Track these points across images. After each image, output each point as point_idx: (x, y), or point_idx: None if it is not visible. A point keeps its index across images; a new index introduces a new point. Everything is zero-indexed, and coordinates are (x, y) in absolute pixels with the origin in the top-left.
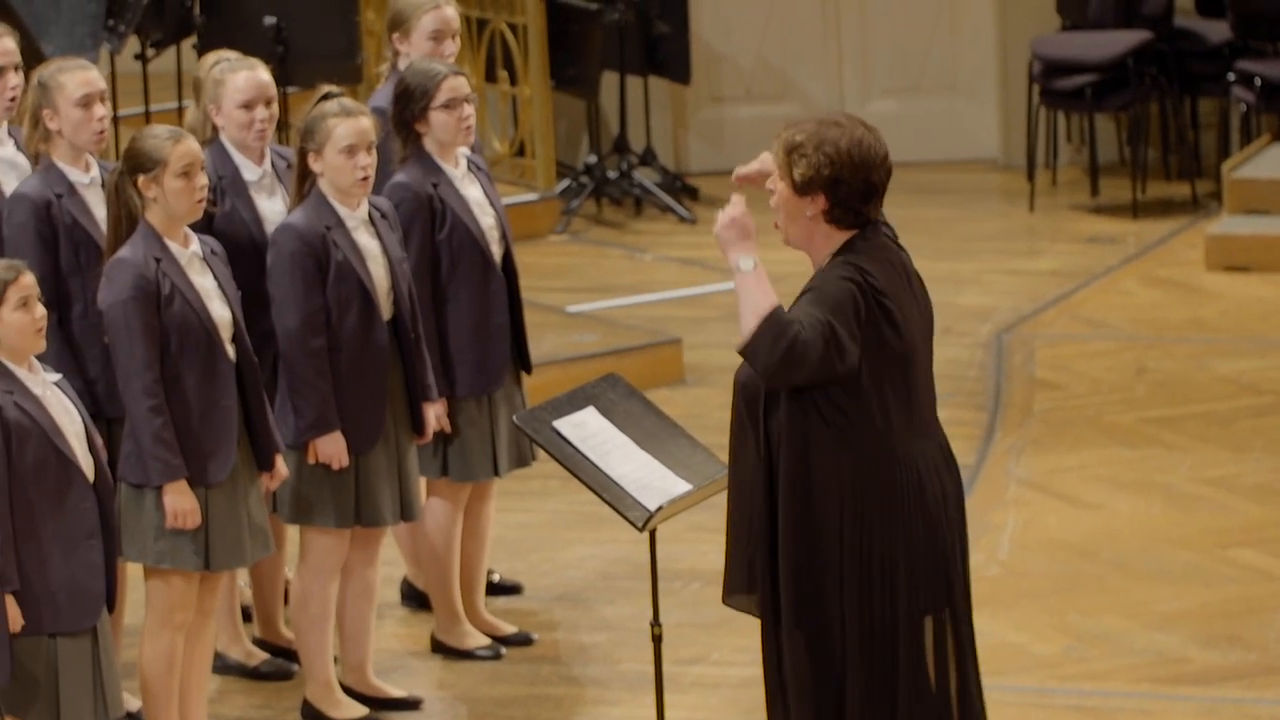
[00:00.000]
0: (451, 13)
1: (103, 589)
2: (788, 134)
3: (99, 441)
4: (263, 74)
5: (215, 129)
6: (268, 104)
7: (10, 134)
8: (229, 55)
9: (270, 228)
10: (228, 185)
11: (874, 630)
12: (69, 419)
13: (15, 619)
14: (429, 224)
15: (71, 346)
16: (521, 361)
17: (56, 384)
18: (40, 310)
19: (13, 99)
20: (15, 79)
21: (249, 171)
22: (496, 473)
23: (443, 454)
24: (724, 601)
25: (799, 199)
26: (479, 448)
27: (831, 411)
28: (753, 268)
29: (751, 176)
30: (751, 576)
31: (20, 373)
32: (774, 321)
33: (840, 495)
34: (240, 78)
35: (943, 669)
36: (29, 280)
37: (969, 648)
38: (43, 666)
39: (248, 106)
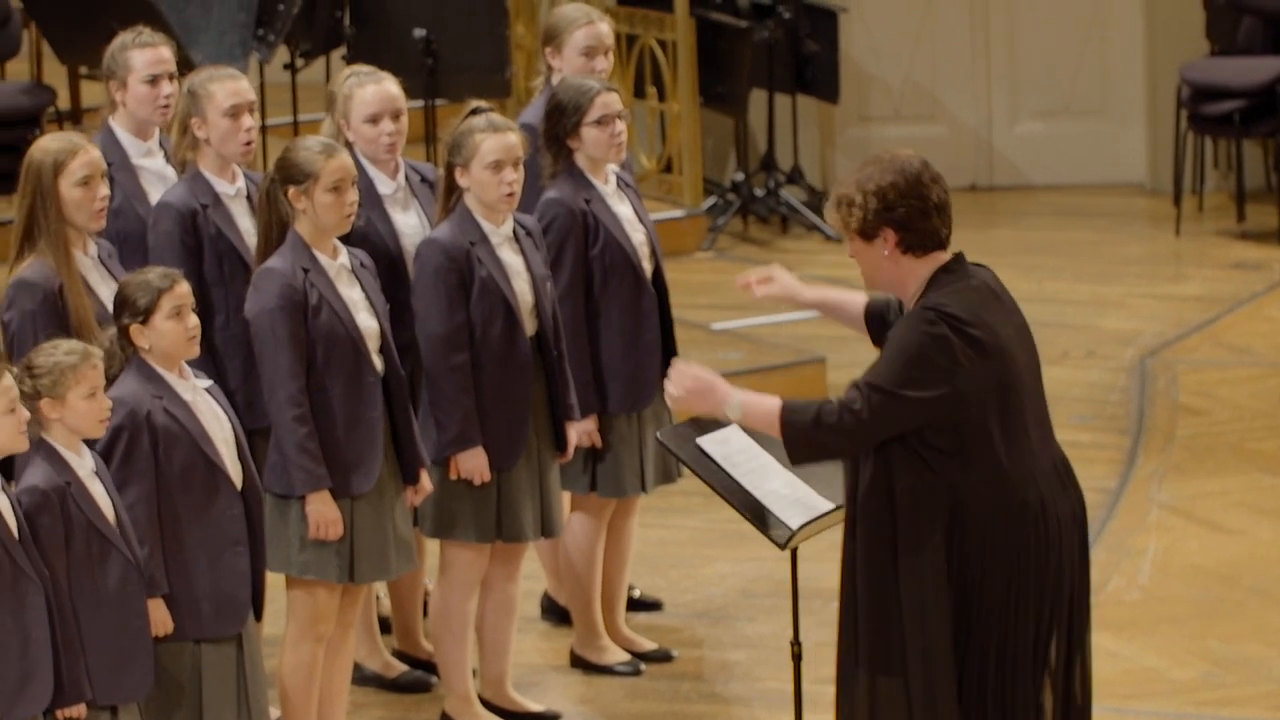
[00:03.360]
0: (605, 29)
1: (248, 596)
2: (834, 194)
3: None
4: (391, 87)
5: (349, 144)
6: (395, 117)
7: (162, 145)
8: (362, 69)
9: (406, 241)
10: (363, 199)
11: (984, 658)
12: (218, 425)
13: (165, 622)
14: (582, 240)
15: (213, 357)
16: None
17: (207, 390)
18: (193, 320)
19: (166, 107)
20: (170, 87)
21: (383, 185)
22: (644, 488)
23: (591, 469)
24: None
25: (870, 245)
26: (628, 464)
27: (928, 445)
28: (740, 405)
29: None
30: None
31: (170, 378)
32: (794, 425)
33: (932, 524)
34: (368, 91)
35: (1055, 693)
36: (184, 289)
37: (1080, 671)
38: (187, 672)
39: (374, 120)
